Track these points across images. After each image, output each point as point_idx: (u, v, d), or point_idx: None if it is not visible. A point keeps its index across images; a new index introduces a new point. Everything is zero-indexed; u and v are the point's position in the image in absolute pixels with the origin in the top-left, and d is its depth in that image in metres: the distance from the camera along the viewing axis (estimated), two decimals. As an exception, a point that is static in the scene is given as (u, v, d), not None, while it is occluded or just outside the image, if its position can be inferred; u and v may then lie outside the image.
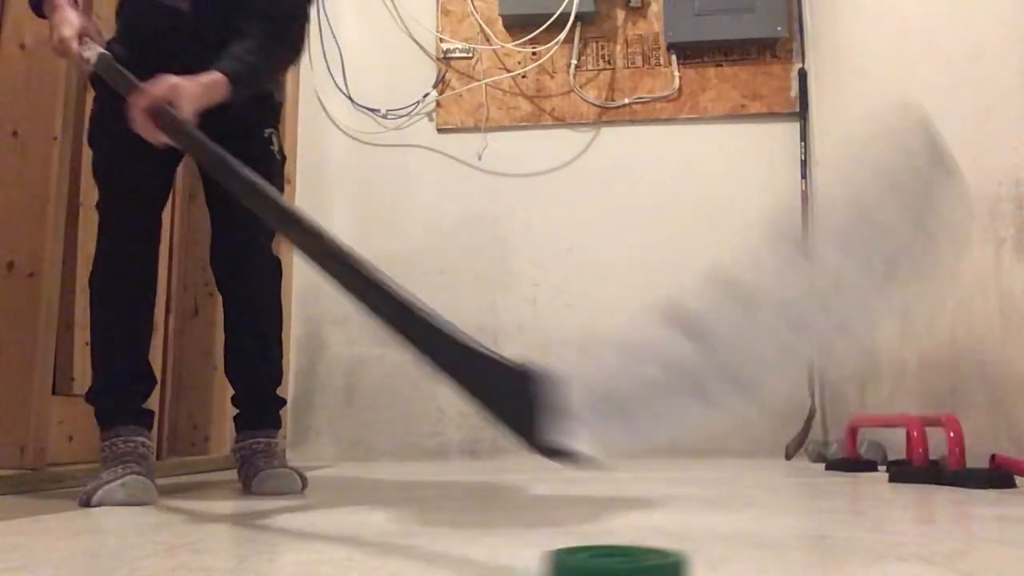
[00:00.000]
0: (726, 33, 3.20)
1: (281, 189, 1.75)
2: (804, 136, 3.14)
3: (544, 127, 3.29)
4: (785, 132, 3.19)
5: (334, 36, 3.46)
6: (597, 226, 3.19)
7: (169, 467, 2.18)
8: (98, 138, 1.67)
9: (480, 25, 3.34)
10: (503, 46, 3.30)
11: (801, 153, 3.13)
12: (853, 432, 2.27)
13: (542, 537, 0.97)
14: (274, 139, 1.77)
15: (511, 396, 0.86)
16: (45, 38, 1.80)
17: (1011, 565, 0.77)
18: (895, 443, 2.26)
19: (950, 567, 0.73)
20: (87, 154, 2.16)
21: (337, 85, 3.42)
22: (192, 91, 1.42)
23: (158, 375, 2.19)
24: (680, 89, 3.25)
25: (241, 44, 1.56)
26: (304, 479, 1.70)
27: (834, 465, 2.24)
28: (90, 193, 2.18)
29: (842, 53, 2.88)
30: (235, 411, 1.84)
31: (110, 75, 1.51)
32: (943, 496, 1.48)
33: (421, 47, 3.41)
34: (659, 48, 3.28)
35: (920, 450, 1.80)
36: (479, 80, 3.32)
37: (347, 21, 3.48)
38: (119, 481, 1.42)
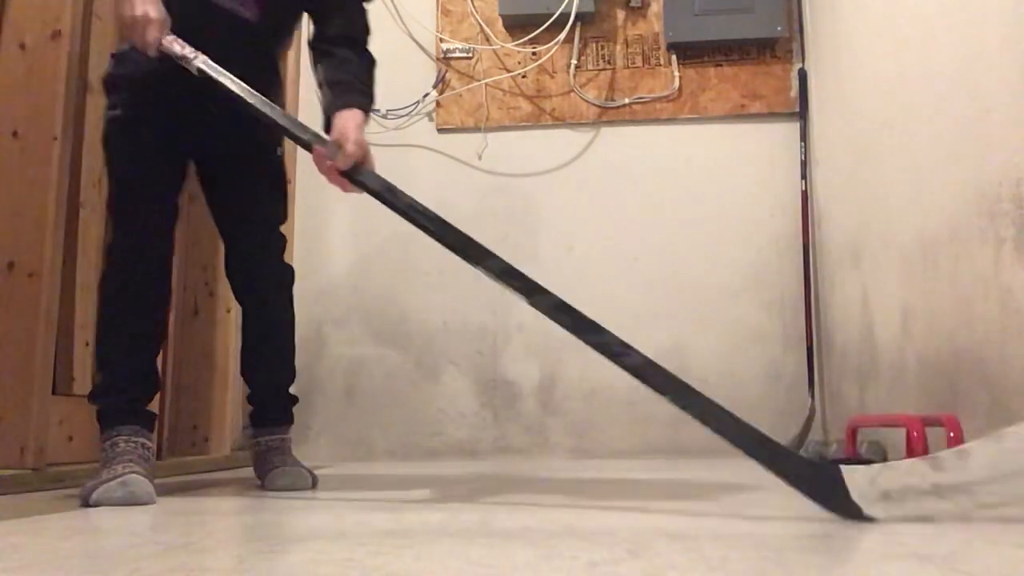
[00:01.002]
0: (726, 33, 3.20)
1: (286, 194, 1.90)
2: (804, 136, 3.14)
3: (544, 127, 3.29)
4: (785, 132, 3.19)
5: (334, 36, 3.45)
6: (597, 226, 3.19)
7: (169, 467, 2.18)
8: (118, 143, 1.69)
9: (480, 25, 3.34)
10: (503, 46, 3.30)
11: (801, 153, 3.13)
12: (853, 432, 2.27)
13: (542, 537, 0.97)
14: (278, 148, 1.88)
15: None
16: (45, 38, 1.80)
17: (1011, 565, 0.77)
18: (895, 443, 2.26)
19: (950, 567, 0.73)
20: (87, 154, 2.17)
21: None
22: (364, 140, 1.60)
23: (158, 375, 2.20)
24: (680, 89, 3.25)
25: (348, 71, 1.71)
26: (314, 477, 1.79)
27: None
28: (90, 193, 2.18)
29: (842, 53, 2.88)
30: (250, 408, 1.91)
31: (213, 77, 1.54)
32: (943, 496, 1.48)
33: (421, 47, 3.41)
34: (659, 48, 3.28)
35: (920, 450, 1.80)
36: (479, 80, 3.32)
37: (347, 21, 3.48)
38: (118, 480, 1.42)
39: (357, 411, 3.18)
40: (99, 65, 2.23)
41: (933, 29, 2.17)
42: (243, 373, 1.89)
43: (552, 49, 3.25)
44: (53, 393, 1.81)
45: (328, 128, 1.63)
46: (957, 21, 2.04)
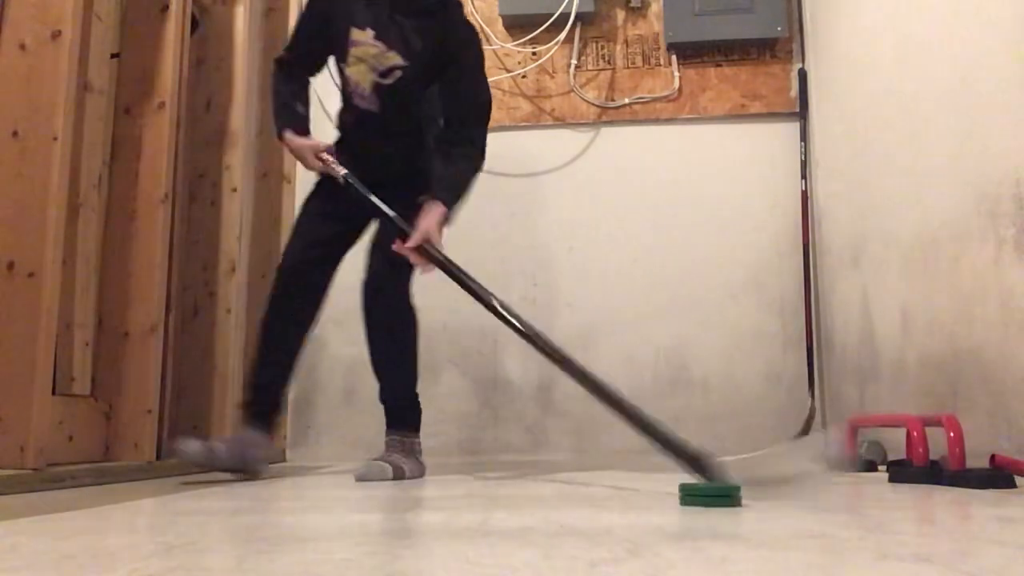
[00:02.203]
0: (726, 33, 3.20)
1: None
2: (804, 136, 3.14)
3: (544, 127, 3.29)
4: (785, 132, 3.19)
5: (334, 36, 3.45)
6: (597, 226, 3.19)
7: (169, 467, 2.18)
8: (310, 204, 2.23)
9: (480, 25, 3.34)
10: (503, 46, 3.30)
11: (801, 153, 3.13)
12: (853, 432, 2.27)
13: (542, 537, 0.96)
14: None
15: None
16: (45, 38, 1.80)
17: (1011, 565, 0.77)
18: (895, 443, 2.26)
19: (950, 567, 0.73)
20: (87, 154, 2.17)
21: (337, 85, 3.42)
22: (437, 229, 2.00)
23: (158, 375, 2.20)
24: (680, 89, 3.25)
25: (448, 171, 2.11)
26: (400, 471, 2.02)
27: (834, 465, 2.24)
28: (90, 193, 2.19)
29: (842, 53, 2.88)
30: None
31: (355, 192, 2.10)
32: (943, 496, 1.48)
33: (421, 47, 3.41)
34: (659, 48, 3.28)
35: (920, 450, 1.80)
36: (479, 80, 3.32)
37: (347, 21, 3.48)
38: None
39: (357, 411, 3.18)
40: (99, 65, 2.23)
41: (933, 29, 2.17)
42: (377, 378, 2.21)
43: (552, 49, 3.25)
44: (53, 393, 1.81)
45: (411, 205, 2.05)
46: (957, 22, 2.04)
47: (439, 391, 3.17)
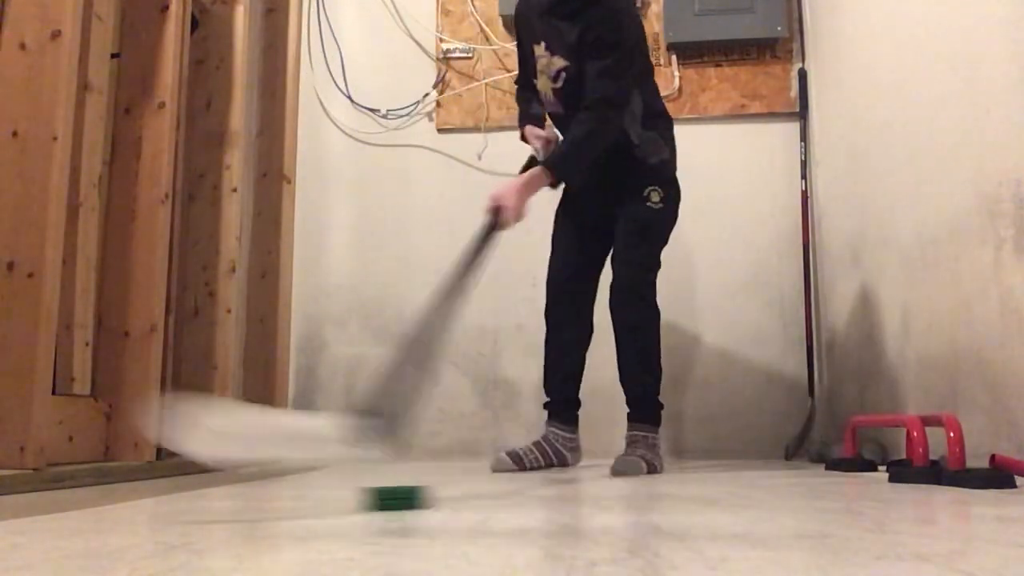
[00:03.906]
0: (726, 33, 3.20)
1: (658, 236, 2.34)
2: (804, 136, 3.14)
3: (544, 127, 3.28)
4: (785, 132, 3.19)
5: (334, 36, 3.46)
6: (597, 226, 3.18)
7: (169, 467, 2.18)
8: (558, 215, 2.52)
9: (480, 25, 3.34)
10: (503, 46, 3.30)
11: (801, 153, 3.13)
12: (853, 432, 2.27)
13: (543, 536, 0.96)
14: (652, 195, 2.31)
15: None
16: (45, 38, 1.80)
17: (1011, 565, 0.77)
18: (895, 443, 2.26)
19: (950, 567, 0.73)
20: (87, 154, 2.17)
21: (337, 85, 3.42)
22: (514, 187, 2.06)
23: (158, 375, 2.20)
24: (680, 89, 3.25)
25: (567, 136, 2.21)
26: (652, 466, 2.17)
27: (834, 465, 2.24)
28: (90, 193, 2.19)
29: (842, 53, 2.88)
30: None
31: (529, 163, 2.26)
32: (943, 496, 1.48)
33: (421, 47, 3.41)
34: (659, 48, 3.28)
35: (920, 450, 1.80)
36: (479, 80, 3.32)
37: (347, 21, 3.49)
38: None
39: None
40: (99, 65, 2.23)
41: (933, 29, 2.17)
42: (620, 381, 2.32)
43: (552, 49, 3.25)
44: (53, 393, 1.81)
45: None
46: (957, 21, 2.04)
47: (439, 391, 3.17)
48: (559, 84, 2.28)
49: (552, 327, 2.42)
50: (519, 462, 2.27)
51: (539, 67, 2.32)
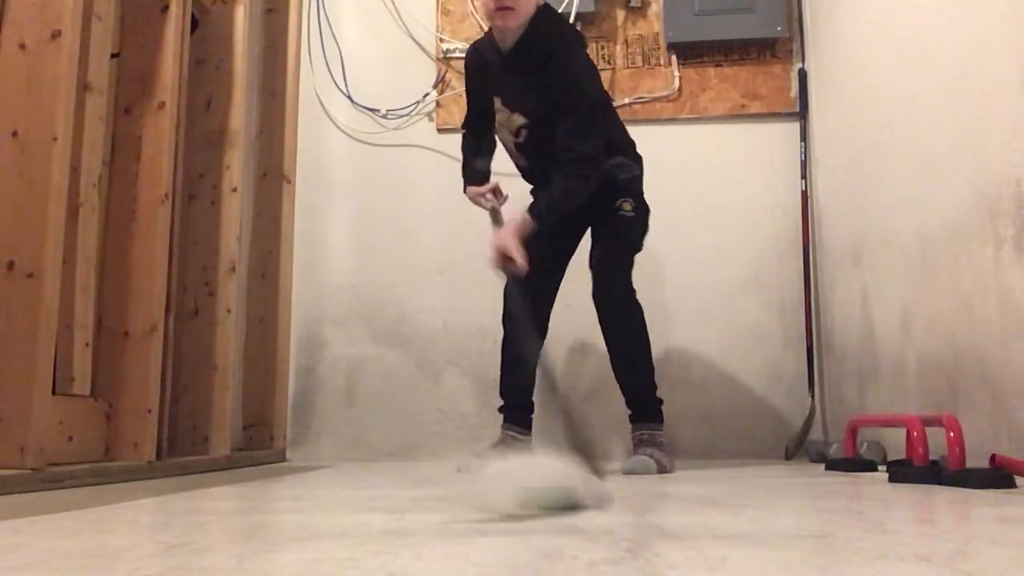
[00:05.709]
0: (726, 33, 3.20)
1: (634, 240, 2.42)
2: (804, 136, 3.14)
3: (544, 127, 3.28)
4: (785, 132, 3.19)
5: (334, 36, 3.46)
6: (597, 226, 3.18)
7: (169, 467, 2.18)
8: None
9: (480, 25, 3.34)
10: (503, 46, 3.30)
11: (801, 153, 3.13)
12: (853, 432, 2.27)
13: (542, 537, 0.96)
14: (624, 205, 2.37)
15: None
16: (45, 38, 1.80)
17: (1011, 565, 0.77)
18: (895, 443, 2.26)
19: (950, 567, 0.73)
20: (87, 154, 2.17)
21: (337, 85, 3.42)
22: (510, 236, 2.18)
23: (158, 375, 2.20)
24: (680, 89, 3.25)
25: (548, 188, 2.27)
26: (662, 466, 2.18)
27: (834, 465, 2.24)
28: (90, 193, 2.19)
29: (842, 53, 2.88)
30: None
31: (495, 218, 2.36)
32: (943, 496, 1.48)
33: (421, 47, 3.41)
34: (659, 48, 3.28)
35: (920, 450, 1.80)
36: (479, 80, 3.31)
37: (347, 21, 3.49)
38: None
39: (357, 411, 3.18)
40: (99, 65, 2.23)
41: (933, 29, 2.17)
42: (617, 380, 2.37)
43: (552, 49, 3.25)
44: (53, 393, 1.81)
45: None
46: (957, 21, 2.04)
47: (439, 391, 3.17)
48: (521, 139, 2.35)
49: (511, 332, 2.45)
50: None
51: (499, 120, 2.38)
